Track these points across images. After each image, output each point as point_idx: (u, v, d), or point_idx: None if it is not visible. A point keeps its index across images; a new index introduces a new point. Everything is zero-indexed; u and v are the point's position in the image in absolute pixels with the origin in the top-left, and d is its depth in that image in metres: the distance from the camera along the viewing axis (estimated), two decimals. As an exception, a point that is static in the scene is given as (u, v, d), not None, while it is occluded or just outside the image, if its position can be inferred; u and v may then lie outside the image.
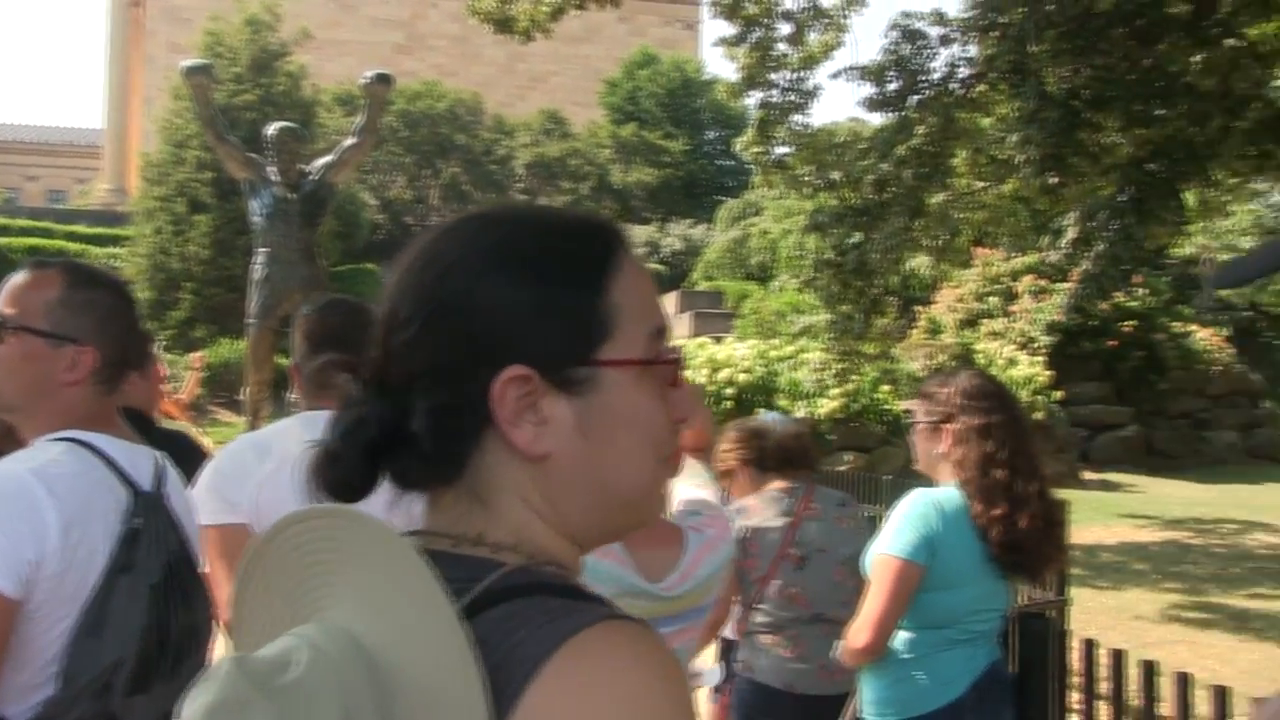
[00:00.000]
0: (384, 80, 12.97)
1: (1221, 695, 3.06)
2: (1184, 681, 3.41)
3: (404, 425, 1.21)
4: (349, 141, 12.72)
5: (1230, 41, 12.83)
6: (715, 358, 20.69)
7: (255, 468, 3.07)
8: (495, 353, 1.19)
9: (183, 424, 10.42)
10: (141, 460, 2.57)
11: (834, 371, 17.37)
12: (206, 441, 9.17)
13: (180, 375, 14.66)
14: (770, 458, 4.68)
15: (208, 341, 25.88)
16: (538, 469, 1.21)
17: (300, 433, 3.08)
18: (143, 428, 3.21)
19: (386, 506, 1.23)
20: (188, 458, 3.29)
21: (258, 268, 12.26)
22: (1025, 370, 23.85)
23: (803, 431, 4.85)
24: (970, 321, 27.15)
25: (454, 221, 1.31)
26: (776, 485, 4.64)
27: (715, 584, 2.69)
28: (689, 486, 3.00)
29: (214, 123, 12.60)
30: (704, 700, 4.70)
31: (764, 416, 5.25)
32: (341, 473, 1.23)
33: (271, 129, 12.54)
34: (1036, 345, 25.68)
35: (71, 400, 2.46)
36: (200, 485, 3.03)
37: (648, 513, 1.32)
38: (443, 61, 54.58)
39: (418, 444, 1.20)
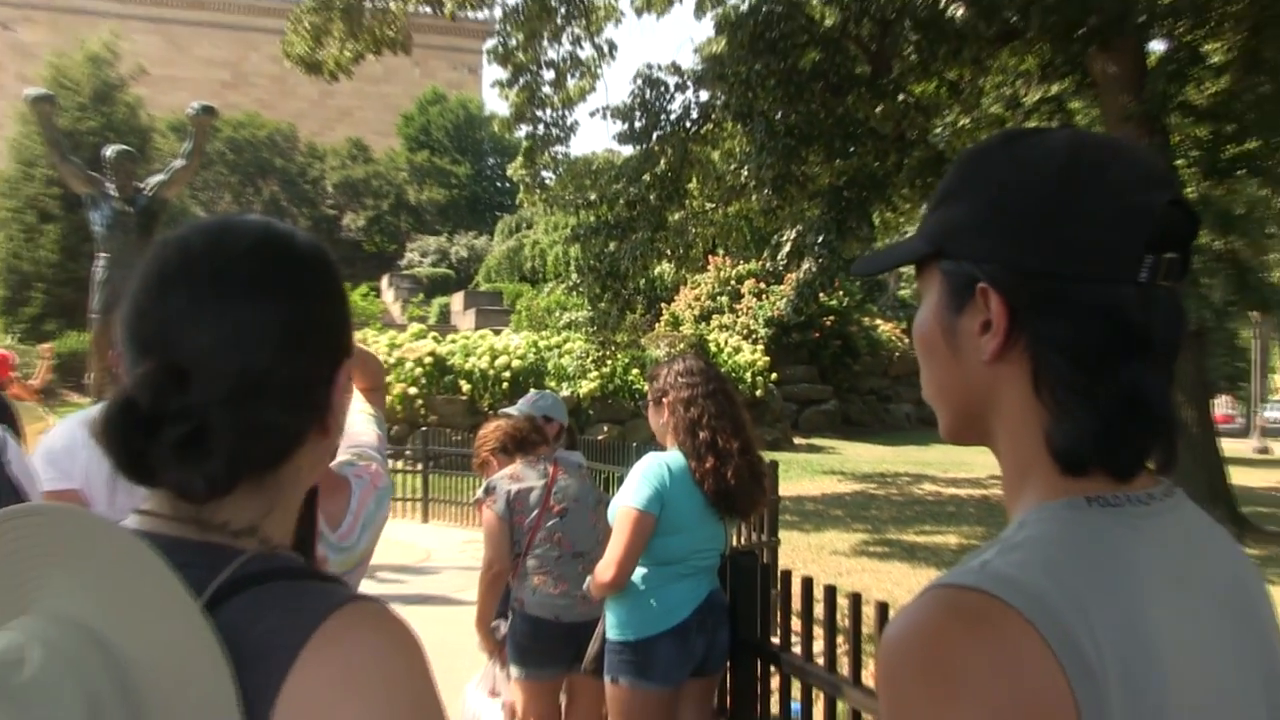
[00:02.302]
0: (208, 111, 12.45)
1: (884, 609, 3.22)
2: (857, 600, 3.57)
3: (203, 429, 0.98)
4: (178, 163, 12.15)
5: (901, 96, 13.41)
6: (495, 347, 20.98)
7: (84, 441, 2.96)
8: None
9: (31, 404, 9.92)
10: None
11: (593, 358, 17.52)
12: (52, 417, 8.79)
13: (32, 363, 13.93)
14: (510, 442, 4.75)
15: (57, 334, 25.11)
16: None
17: None
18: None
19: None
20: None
21: (99, 270, 11.60)
22: (748, 357, 24.42)
23: (532, 415, 4.94)
24: (704, 317, 27.64)
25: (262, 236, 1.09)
26: (523, 460, 4.69)
27: (376, 530, 2.38)
28: (360, 421, 2.75)
29: (57, 144, 11.90)
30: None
31: (532, 395, 5.27)
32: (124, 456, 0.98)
33: (109, 150, 11.89)
34: (757, 336, 26.29)
35: None
36: (38, 456, 2.92)
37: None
38: (263, 96, 53.09)
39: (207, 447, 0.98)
